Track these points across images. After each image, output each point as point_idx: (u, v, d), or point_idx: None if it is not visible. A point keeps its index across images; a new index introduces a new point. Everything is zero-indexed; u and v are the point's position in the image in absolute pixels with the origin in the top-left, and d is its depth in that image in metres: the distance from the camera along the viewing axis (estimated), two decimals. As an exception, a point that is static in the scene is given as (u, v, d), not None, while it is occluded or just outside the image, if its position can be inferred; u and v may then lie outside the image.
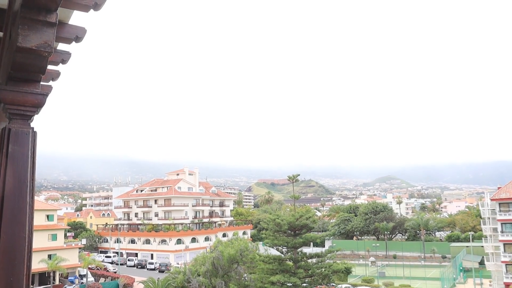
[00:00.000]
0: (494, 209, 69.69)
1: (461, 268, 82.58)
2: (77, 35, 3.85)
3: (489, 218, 70.53)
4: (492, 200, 70.63)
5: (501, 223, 68.21)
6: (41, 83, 4.27)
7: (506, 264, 66.21)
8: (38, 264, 61.24)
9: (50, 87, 4.86)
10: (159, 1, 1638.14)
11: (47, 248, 67.42)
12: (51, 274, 65.77)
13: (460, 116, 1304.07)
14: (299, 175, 50.47)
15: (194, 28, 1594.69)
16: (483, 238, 74.88)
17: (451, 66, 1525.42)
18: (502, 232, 68.13)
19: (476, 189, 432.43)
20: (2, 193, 3.16)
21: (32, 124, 3.89)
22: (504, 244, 67.70)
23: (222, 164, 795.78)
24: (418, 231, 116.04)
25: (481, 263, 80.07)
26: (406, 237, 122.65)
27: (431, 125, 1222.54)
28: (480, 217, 76.90)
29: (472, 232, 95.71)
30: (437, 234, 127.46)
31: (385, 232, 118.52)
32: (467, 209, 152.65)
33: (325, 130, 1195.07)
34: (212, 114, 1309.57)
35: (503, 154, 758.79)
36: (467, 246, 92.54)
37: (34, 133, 3.46)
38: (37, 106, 3.45)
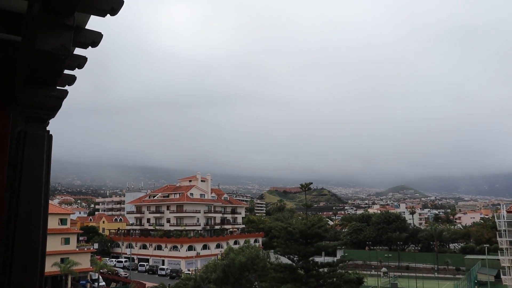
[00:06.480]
0: (510, 222, 68.61)
1: (476, 281, 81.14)
2: (94, 40, 3.87)
3: (505, 231, 69.39)
4: (508, 212, 69.60)
5: (517, 236, 67.15)
6: (57, 87, 4.30)
7: (522, 278, 65.10)
8: (51, 267, 61.76)
9: (65, 91, 4.89)
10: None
11: (60, 251, 67.96)
12: (64, 278, 66.24)
13: (476, 127, 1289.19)
14: (311, 183, 50.32)
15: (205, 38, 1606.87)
16: (498, 251, 73.61)
17: (468, 74, 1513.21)
18: (518, 245, 67.05)
19: (492, 201, 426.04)
20: (17, 196, 3.17)
21: (47, 128, 3.91)
22: (520, 257, 66.63)
23: (234, 171, 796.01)
24: (431, 242, 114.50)
25: (497, 276, 78.61)
26: (419, 248, 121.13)
27: (446, 135, 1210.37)
28: (496, 229, 75.67)
29: (488, 245, 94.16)
30: (451, 245, 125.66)
31: (398, 243, 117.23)
32: (482, 221, 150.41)
33: (338, 139, 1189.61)
34: (225, 121, 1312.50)
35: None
36: (482, 259, 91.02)
37: (50, 137, 3.47)
38: (53, 109, 3.46)
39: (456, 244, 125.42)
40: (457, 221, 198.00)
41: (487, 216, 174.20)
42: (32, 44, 2.95)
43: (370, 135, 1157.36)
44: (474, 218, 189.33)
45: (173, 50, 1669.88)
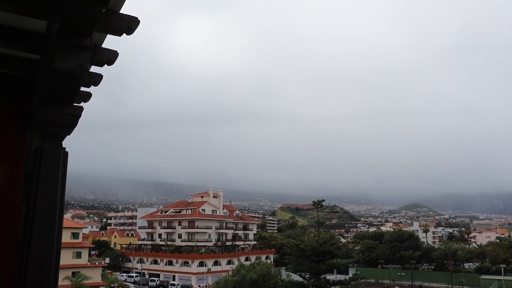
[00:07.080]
0: (526, 241, 67.28)
1: (491, 302, 79.40)
2: (110, 58, 3.96)
3: (521, 251, 68.01)
4: (524, 231, 68.27)
5: (534, 256, 65.74)
6: (73, 104, 4.39)
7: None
8: (62, 281, 61.88)
9: (81, 108, 4.98)
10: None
11: (72, 265, 68.17)
12: (74, 292, 66.24)
13: (490, 144, 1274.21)
14: (323, 200, 50.06)
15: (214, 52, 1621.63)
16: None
17: (482, 90, 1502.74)
18: (535, 265, 65.60)
19: (508, 220, 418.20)
20: (33, 211, 3.23)
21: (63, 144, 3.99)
22: (537, 278, 65.12)
23: (246, 188, 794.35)
24: (445, 261, 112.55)
25: (514, 297, 76.84)
26: (433, 267, 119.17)
27: (460, 152, 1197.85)
28: (512, 249, 74.21)
29: (504, 265, 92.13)
30: (466, 265, 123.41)
31: (411, 261, 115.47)
32: (498, 240, 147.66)
33: (350, 155, 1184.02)
34: (238, 137, 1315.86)
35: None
36: (498, 279, 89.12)
37: (66, 153, 3.54)
38: (70, 126, 3.54)
39: (471, 263, 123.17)
40: (472, 240, 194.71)
41: (503, 236, 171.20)
42: (50, 64, 3.03)
43: (383, 152, 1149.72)
44: (489, 237, 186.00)
45: (186, 66, 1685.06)
